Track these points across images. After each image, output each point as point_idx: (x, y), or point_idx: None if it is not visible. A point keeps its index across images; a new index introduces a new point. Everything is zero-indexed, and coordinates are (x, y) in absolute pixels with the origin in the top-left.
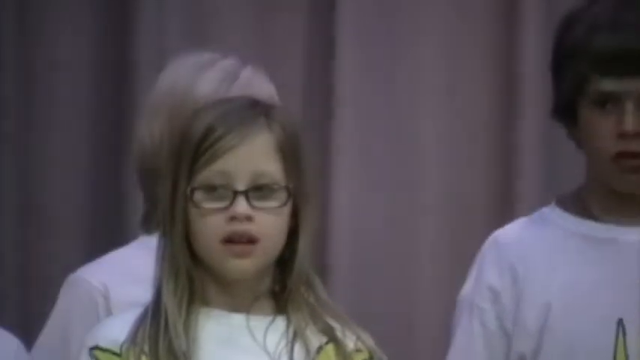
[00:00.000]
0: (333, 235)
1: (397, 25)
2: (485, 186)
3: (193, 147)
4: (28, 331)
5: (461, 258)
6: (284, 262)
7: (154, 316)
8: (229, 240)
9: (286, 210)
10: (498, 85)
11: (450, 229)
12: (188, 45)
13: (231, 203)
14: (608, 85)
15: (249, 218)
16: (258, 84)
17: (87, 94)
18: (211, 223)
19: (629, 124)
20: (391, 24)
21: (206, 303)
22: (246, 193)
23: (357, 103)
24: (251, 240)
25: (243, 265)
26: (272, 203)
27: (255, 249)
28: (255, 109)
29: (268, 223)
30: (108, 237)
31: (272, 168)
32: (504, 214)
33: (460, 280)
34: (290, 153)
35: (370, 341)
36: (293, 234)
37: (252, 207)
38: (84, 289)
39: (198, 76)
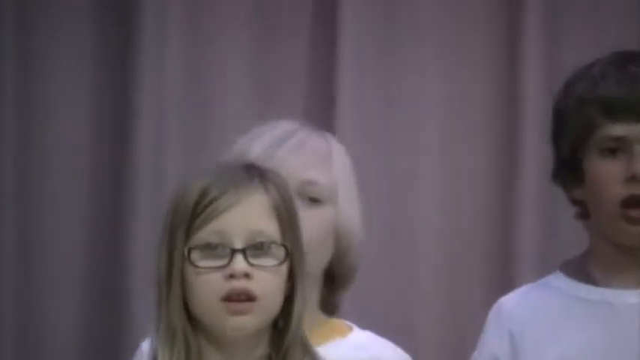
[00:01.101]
0: None
1: (398, 54)
2: (484, 196)
3: (189, 210)
4: None
5: (459, 272)
6: (279, 326)
7: None
8: (228, 298)
9: (284, 269)
10: (499, 114)
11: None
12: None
13: (230, 261)
14: (619, 130)
15: (247, 276)
16: (311, 143)
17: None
18: (209, 282)
19: (639, 167)
20: (392, 53)
21: None
22: (244, 251)
23: (357, 141)
24: (250, 298)
25: (242, 322)
26: (270, 261)
27: (254, 306)
28: (249, 172)
29: (266, 281)
30: None
31: (268, 226)
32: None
33: (458, 294)
34: (285, 214)
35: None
36: (288, 298)
37: (251, 265)
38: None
39: (255, 138)
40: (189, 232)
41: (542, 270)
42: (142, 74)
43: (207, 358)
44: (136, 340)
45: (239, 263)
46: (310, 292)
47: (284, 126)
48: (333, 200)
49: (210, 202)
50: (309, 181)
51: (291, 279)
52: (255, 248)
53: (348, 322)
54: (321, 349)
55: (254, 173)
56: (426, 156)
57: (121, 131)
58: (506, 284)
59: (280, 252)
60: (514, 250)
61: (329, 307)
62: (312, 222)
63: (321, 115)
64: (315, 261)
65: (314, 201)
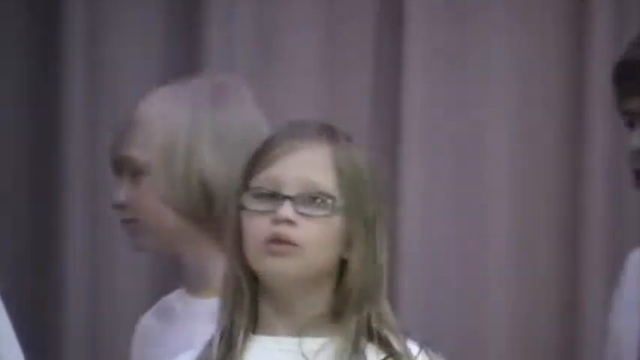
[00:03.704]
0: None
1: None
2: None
3: (251, 158)
4: None
5: (528, 263)
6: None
7: (210, 345)
8: (270, 240)
9: (336, 223)
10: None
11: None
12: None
13: (278, 207)
14: None
15: (291, 222)
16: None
17: None
18: (258, 225)
19: None
20: (461, 30)
21: (262, 330)
22: (292, 199)
23: (425, 125)
24: (291, 243)
25: (282, 264)
26: (318, 212)
27: (295, 251)
28: (320, 128)
29: (312, 230)
30: None
31: (324, 179)
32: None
33: (526, 284)
34: (347, 172)
35: (433, 355)
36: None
37: (298, 212)
38: None
39: None
40: (248, 180)
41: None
42: (212, 32)
43: (268, 311)
44: None
45: (284, 209)
46: None
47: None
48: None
49: (269, 150)
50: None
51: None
52: (307, 198)
53: None
54: None
55: (325, 131)
56: (495, 131)
57: None
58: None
59: (332, 205)
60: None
61: None
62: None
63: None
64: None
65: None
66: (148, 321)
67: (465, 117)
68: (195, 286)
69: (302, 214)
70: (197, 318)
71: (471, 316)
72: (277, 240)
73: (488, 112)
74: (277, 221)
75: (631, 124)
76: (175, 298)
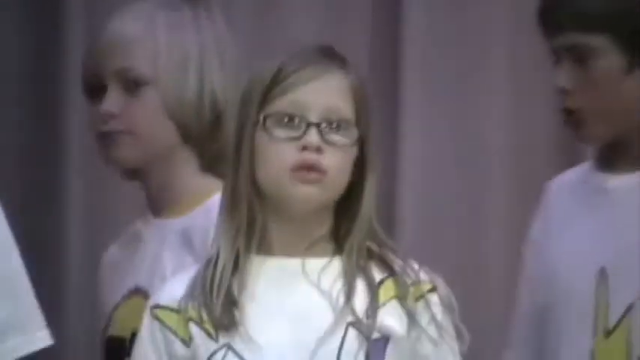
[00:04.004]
0: (401, 189)
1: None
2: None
3: (266, 81)
4: None
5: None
6: (345, 208)
7: (207, 266)
8: (299, 168)
9: (354, 150)
10: None
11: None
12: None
13: (304, 133)
14: None
15: (319, 150)
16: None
17: None
18: (282, 151)
19: None
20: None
21: (263, 250)
22: (318, 126)
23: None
24: (320, 170)
25: (309, 191)
26: (342, 140)
27: (323, 179)
28: (330, 53)
29: (337, 157)
30: None
31: (345, 106)
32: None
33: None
34: (361, 99)
35: (433, 275)
36: (356, 183)
37: (324, 140)
38: None
39: None
40: (264, 102)
41: None
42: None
43: (271, 231)
44: None
45: (313, 136)
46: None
47: None
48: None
49: (290, 74)
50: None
51: (362, 164)
52: (330, 124)
53: None
54: None
55: (335, 55)
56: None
57: None
58: None
59: (353, 133)
60: None
61: None
62: None
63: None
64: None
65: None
66: (113, 251)
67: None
68: (164, 207)
69: (328, 141)
70: (165, 239)
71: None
72: (306, 167)
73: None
74: (305, 148)
75: (557, 62)
76: (140, 224)
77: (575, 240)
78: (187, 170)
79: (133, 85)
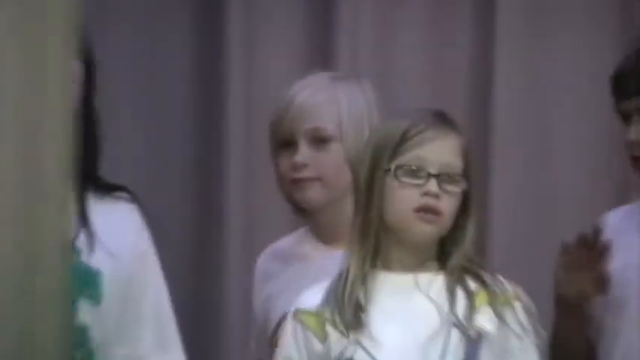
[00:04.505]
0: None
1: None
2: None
3: (397, 138)
4: None
5: None
6: (448, 236)
7: (339, 279)
8: (421, 210)
9: (460, 197)
10: None
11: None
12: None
13: (426, 182)
14: None
15: (437, 196)
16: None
17: None
18: (408, 195)
19: None
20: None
21: (386, 267)
22: (437, 177)
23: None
24: (437, 213)
25: (428, 229)
26: (454, 189)
27: (439, 219)
28: (445, 117)
29: (450, 203)
30: None
31: (457, 161)
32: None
33: None
34: (468, 156)
35: (518, 289)
36: (458, 217)
37: (441, 189)
38: None
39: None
40: (394, 155)
41: None
42: (339, 34)
43: (392, 253)
44: None
45: (433, 185)
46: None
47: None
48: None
49: (416, 134)
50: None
51: (467, 206)
52: (446, 176)
53: None
54: None
55: (449, 119)
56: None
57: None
58: None
59: (462, 183)
60: None
61: None
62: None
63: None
64: (335, 192)
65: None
66: (267, 262)
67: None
68: (333, 239)
69: (444, 189)
70: (327, 263)
71: None
72: (427, 209)
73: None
74: (427, 194)
75: (626, 121)
76: (309, 248)
77: (629, 256)
78: (348, 208)
79: (320, 141)
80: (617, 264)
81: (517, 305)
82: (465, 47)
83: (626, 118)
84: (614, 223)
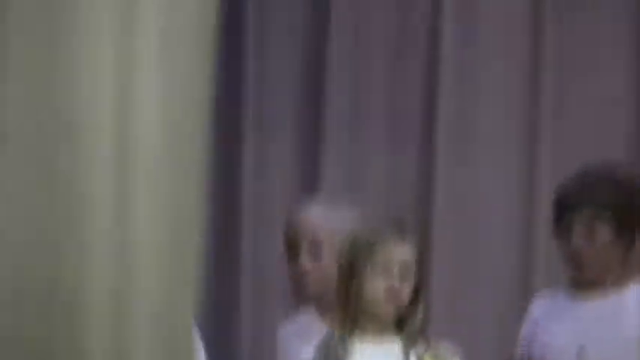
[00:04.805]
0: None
1: None
2: None
3: (369, 246)
4: None
5: None
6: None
7: (327, 343)
8: (389, 293)
9: (413, 286)
10: None
11: None
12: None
13: (392, 276)
14: None
15: (400, 286)
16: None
17: None
18: (379, 284)
19: None
20: None
21: (359, 335)
22: (400, 273)
23: None
24: (400, 297)
25: (392, 308)
26: (411, 281)
27: (400, 302)
28: (406, 227)
29: (408, 289)
30: None
31: (412, 262)
32: None
33: None
34: (421, 256)
35: (454, 348)
36: (413, 300)
37: (401, 280)
38: None
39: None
40: (368, 256)
41: None
42: None
43: (365, 326)
44: None
45: (397, 279)
46: None
47: None
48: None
49: (383, 243)
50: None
51: (417, 290)
52: (405, 271)
53: None
54: None
55: (408, 229)
56: None
57: None
58: None
59: (415, 276)
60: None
61: None
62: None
63: None
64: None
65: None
66: (285, 332)
67: None
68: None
69: (403, 280)
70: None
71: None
72: (394, 293)
73: None
74: (393, 284)
75: (565, 234)
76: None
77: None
78: None
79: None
80: (538, 344)
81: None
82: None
83: (565, 232)
84: (541, 307)
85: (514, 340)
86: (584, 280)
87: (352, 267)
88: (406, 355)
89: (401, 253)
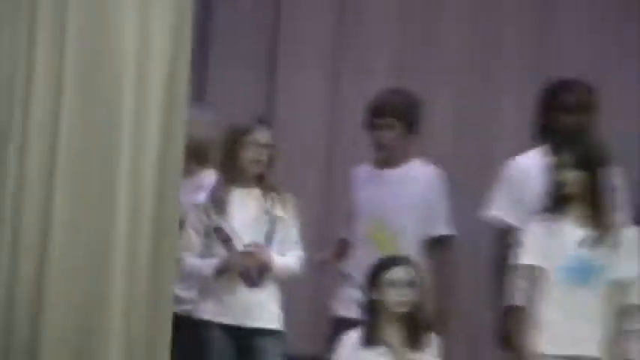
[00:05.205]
0: None
1: None
2: None
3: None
4: None
5: None
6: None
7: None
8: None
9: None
10: None
11: None
12: None
13: (257, 152)
14: None
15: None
16: None
17: None
18: (248, 156)
19: None
20: None
21: (235, 185)
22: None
23: None
24: (260, 164)
25: (256, 170)
26: (268, 151)
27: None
28: (409, 261)
29: (266, 158)
30: None
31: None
32: None
33: None
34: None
35: (295, 201)
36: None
37: (261, 154)
38: None
39: None
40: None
41: None
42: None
43: (239, 180)
44: None
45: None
46: None
47: None
48: None
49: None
50: None
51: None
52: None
53: None
54: None
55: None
56: None
57: None
58: None
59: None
60: None
61: None
62: None
63: None
64: None
65: None
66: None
67: None
68: None
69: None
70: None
71: None
72: (257, 162)
73: None
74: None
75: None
76: None
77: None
78: None
79: None
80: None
81: None
82: None
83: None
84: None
85: None
86: (384, 158)
87: (234, 143)
88: (264, 197)
89: (262, 136)
